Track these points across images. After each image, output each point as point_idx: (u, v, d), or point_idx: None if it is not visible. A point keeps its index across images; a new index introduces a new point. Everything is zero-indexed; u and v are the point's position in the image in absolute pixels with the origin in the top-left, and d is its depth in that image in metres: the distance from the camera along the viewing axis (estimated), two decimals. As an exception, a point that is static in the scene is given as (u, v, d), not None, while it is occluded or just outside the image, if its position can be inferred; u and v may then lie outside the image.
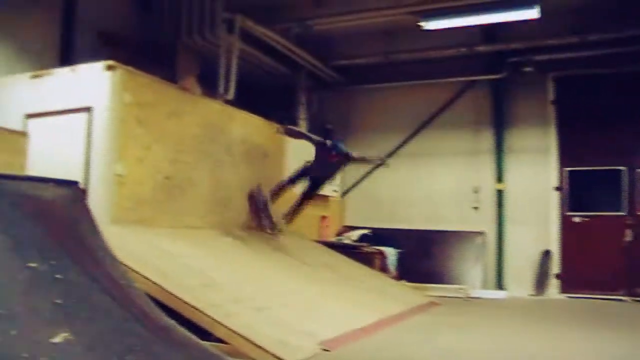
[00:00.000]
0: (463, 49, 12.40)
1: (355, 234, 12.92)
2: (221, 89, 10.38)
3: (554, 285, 12.04)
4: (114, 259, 4.71)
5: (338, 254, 10.94)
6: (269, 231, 9.92)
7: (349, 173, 13.90)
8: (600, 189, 12.09)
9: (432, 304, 9.97)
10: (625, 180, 11.73)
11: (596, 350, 6.46)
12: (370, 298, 8.67)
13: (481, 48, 12.35)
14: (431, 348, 6.44)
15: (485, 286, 12.34)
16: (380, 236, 12.65)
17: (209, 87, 10.40)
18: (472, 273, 12.37)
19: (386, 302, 8.77)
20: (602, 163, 11.92)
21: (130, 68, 7.69)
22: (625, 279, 11.39)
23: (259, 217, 9.94)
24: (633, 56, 11.28)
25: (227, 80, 10.46)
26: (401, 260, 12.16)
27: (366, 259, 11.30)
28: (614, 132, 11.75)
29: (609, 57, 11.52)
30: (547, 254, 12.13)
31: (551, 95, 12.49)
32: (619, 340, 7.11)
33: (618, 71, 11.68)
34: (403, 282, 11.46)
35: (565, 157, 12.27)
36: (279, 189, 10.06)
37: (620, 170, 11.77)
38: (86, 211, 4.83)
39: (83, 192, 5.06)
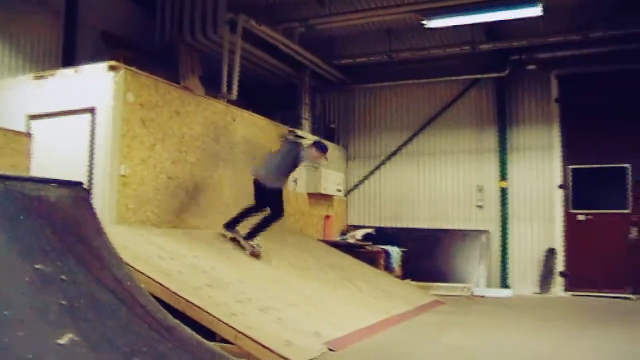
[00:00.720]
0: (466, 47, 12.37)
1: (359, 233, 12.91)
2: (224, 89, 10.37)
3: (558, 283, 12.02)
4: (118, 259, 4.70)
5: (342, 254, 10.94)
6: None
7: (353, 172, 13.90)
8: (604, 186, 12.05)
9: (436, 302, 9.96)
10: (629, 177, 11.70)
11: (602, 350, 6.45)
12: (375, 297, 8.66)
13: (484, 46, 12.31)
14: (437, 347, 6.44)
15: (489, 285, 12.32)
16: (384, 235, 12.65)
17: (212, 87, 10.40)
18: (476, 271, 12.35)
19: (391, 301, 8.77)
20: (606, 160, 11.89)
21: (133, 68, 7.70)
22: (630, 276, 11.36)
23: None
24: (637, 53, 11.25)
25: (230, 80, 10.45)
26: (405, 259, 12.15)
27: (370, 258, 11.31)
28: (618, 129, 11.71)
29: (612, 55, 11.48)
30: (551, 252, 12.10)
31: (554, 93, 12.46)
32: (626, 338, 7.09)
33: (622, 68, 11.65)
34: (407, 281, 11.46)
35: (569, 155, 12.23)
36: None
37: (624, 168, 11.74)
38: (90, 212, 4.83)
39: (87, 193, 5.05)
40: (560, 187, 12.22)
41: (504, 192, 12.64)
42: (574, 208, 12.09)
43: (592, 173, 12.03)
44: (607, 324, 8.21)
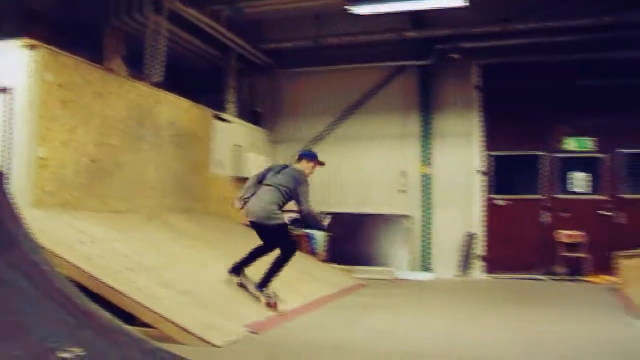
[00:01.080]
0: (392, 35, 12.54)
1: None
2: (149, 71, 10.18)
3: (478, 266, 12.43)
4: (35, 243, 4.60)
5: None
6: None
7: (278, 156, 13.89)
8: (521, 172, 12.57)
9: (359, 285, 10.16)
10: (543, 164, 12.24)
11: (517, 327, 6.76)
12: (298, 280, 8.75)
13: (410, 34, 12.52)
14: (357, 329, 6.59)
15: (412, 268, 12.61)
16: (310, 219, 12.74)
17: (137, 68, 10.19)
18: (399, 255, 12.62)
19: (314, 285, 8.90)
20: (522, 148, 12.40)
21: (52, 47, 7.47)
22: (542, 259, 11.92)
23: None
24: (553, 46, 11.71)
25: (155, 62, 10.26)
26: (330, 243, 12.30)
27: (295, 242, 11.37)
28: (534, 118, 12.22)
29: (531, 46, 11.89)
30: (471, 236, 12.50)
31: (476, 82, 12.82)
32: (535, 316, 7.46)
33: (539, 60, 12.12)
34: (331, 264, 11.60)
35: (489, 142, 12.63)
36: None
37: (538, 155, 12.26)
38: (3, 194, 4.69)
39: (1, 175, 4.91)
40: (480, 173, 12.61)
41: (426, 177, 12.95)
42: (493, 193, 12.52)
43: (510, 159, 12.51)
44: (519, 304, 8.59)
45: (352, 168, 13.56)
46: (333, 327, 6.60)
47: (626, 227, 11.56)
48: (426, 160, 12.94)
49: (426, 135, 12.98)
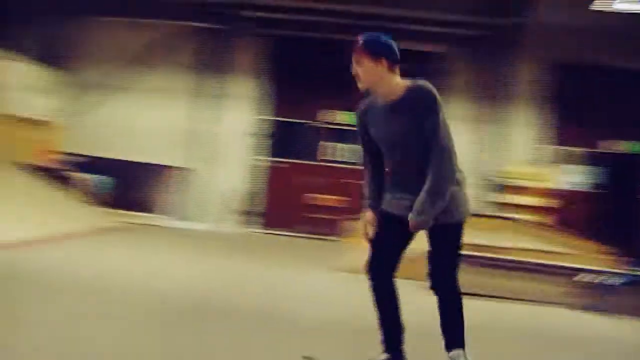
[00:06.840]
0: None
1: (70, 160, 13.09)
2: None
3: (248, 220, 13.51)
4: None
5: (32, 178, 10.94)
6: None
7: (70, 101, 13.85)
8: (299, 139, 13.89)
9: (119, 228, 10.73)
10: (318, 133, 13.70)
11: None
12: (41, 216, 9.01)
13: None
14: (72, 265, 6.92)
15: (186, 218, 13.36)
16: (97, 165, 13.12)
17: None
18: (175, 204, 13.41)
19: (57, 220, 9.22)
20: (299, 116, 13.74)
21: None
22: (303, 218, 13.30)
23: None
24: (338, 26, 12.73)
25: None
26: (114, 189, 12.79)
27: (68, 184, 11.73)
28: (312, 89, 13.49)
29: (317, 24, 12.98)
30: (245, 192, 13.50)
31: (263, 50, 13.80)
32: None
33: (323, 37, 13.25)
34: (107, 209, 11.97)
35: (271, 107, 13.79)
36: None
37: (316, 125, 13.71)
38: None
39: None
40: (256, 135, 13.72)
41: (208, 134, 13.61)
42: (271, 155, 13.71)
43: (288, 126, 13.83)
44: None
45: (141, 118, 13.86)
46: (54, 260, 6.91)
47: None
48: (210, 118, 13.65)
49: (212, 95, 13.67)
